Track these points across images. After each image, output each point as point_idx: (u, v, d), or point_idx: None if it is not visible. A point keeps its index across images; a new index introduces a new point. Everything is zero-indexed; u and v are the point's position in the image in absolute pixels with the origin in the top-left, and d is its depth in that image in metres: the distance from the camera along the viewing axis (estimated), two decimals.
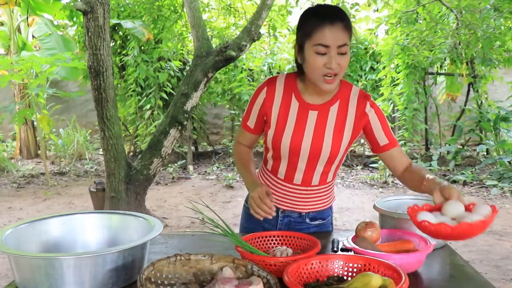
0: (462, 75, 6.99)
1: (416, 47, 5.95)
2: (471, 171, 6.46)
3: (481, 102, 7.08)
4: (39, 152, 8.01)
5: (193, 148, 7.82)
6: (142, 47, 6.70)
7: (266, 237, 1.45)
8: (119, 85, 7.16)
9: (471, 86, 7.23)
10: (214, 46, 4.40)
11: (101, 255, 1.17)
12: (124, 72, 7.08)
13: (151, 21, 6.39)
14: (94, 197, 4.47)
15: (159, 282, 1.15)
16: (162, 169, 6.67)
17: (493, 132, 6.92)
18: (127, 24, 6.25)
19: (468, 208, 1.20)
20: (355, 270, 1.20)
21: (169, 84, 6.90)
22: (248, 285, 1.07)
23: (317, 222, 1.69)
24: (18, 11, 7.55)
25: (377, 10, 7.67)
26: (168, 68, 6.88)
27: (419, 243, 1.38)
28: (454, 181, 6.21)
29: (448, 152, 7.06)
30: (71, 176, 6.91)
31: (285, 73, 1.63)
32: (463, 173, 6.41)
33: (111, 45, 6.44)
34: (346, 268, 1.20)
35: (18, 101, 7.41)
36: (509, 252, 3.84)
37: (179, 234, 1.77)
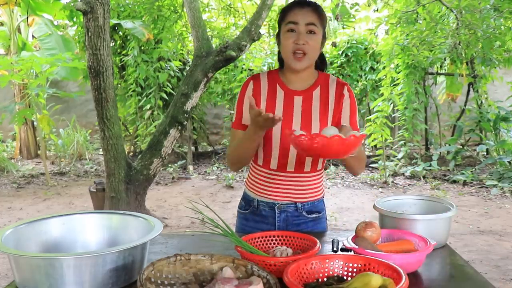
0: (462, 75, 7.00)
1: (416, 47, 5.95)
2: (471, 171, 6.46)
3: (481, 102, 7.08)
4: (39, 152, 8.01)
5: (193, 148, 7.82)
6: (142, 47, 6.70)
7: (266, 237, 1.45)
8: (119, 85, 7.16)
9: (471, 86, 7.23)
10: (214, 46, 4.40)
11: (101, 255, 1.17)
12: (124, 72, 7.08)
13: (151, 21, 6.39)
14: (94, 197, 4.47)
15: (159, 282, 1.15)
16: (162, 169, 6.67)
17: (493, 132, 6.92)
18: (127, 24, 6.26)
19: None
20: (355, 270, 1.20)
21: (169, 84, 6.90)
22: (248, 285, 1.07)
23: (313, 216, 1.71)
24: (18, 11, 7.56)
25: (377, 10, 7.69)
26: (168, 68, 6.88)
27: (419, 243, 1.38)
28: (454, 181, 6.21)
29: (448, 152, 7.06)
30: (71, 176, 6.91)
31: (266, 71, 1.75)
32: (463, 173, 6.41)
33: (111, 45, 6.44)
34: (346, 268, 1.20)
35: (18, 101, 7.41)
36: (509, 252, 3.84)
37: (179, 234, 1.77)
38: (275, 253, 1.31)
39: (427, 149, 7.42)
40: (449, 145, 7.10)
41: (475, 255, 3.75)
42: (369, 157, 7.48)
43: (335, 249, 1.47)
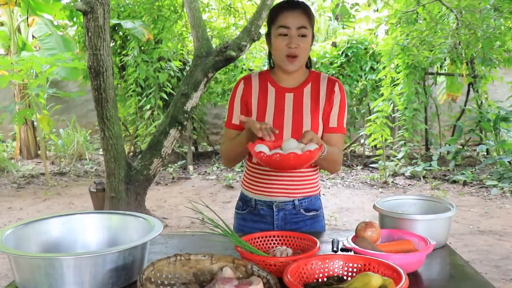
0: (462, 75, 6.99)
1: (416, 47, 5.95)
2: (471, 171, 6.46)
3: (481, 102, 7.08)
4: (39, 152, 8.01)
5: (193, 148, 7.82)
6: (142, 47, 6.70)
7: (266, 237, 1.45)
8: (119, 85, 7.16)
9: (471, 86, 7.23)
10: (214, 46, 4.40)
11: (101, 255, 1.17)
12: (124, 72, 7.08)
13: (151, 21, 6.39)
14: (94, 197, 4.47)
15: (159, 282, 1.15)
16: (162, 169, 6.67)
17: (493, 132, 6.92)
18: (127, 24, 6.26)
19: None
20: (355, 270, 1.20)
21: (169, 84, 6.90)
22: (248, 285, 1.07)
23: (311, 214, 1.72)
24: (18, 11, 7.56)
25: (377, 10, 7.69)
26: (168, 68, 6.88)
27: (419, 243, 1.38)
28: (454, 181, 6.21)
29: (448, 152, 7.06)
30: (71, 176, 6.91)
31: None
32: (463, 173, 6.41)
33: (111, 45, 6.43)
34: (346, 268, 1.20)
35: (18, 101, 7.41)
36: (509, 252, 3.84)
37: (179, 234, 1.77)
38: (275, 253, 1.31)
39: (427, 149, 7.42)
40: (449, 145, 7.10)
41: (475, 255, 3.75)
42: (369, 157, 7.48)
43: (335, 249, 1.47)
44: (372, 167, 6.98)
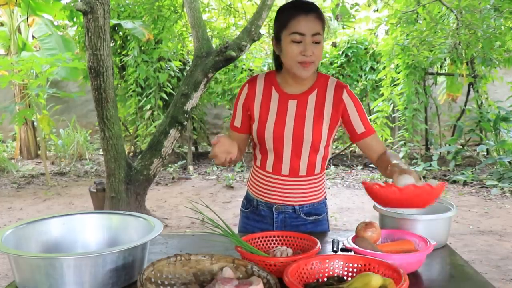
0: (462, 75, 6.99)
1: (416, 47, 5.95)
2: (471, 171, 6.46)
3: (481, 102, 7.08)
4: (39, 152, 8.01)
5: (193, 148, 7.82)
6: (142, 47, 6.70)
7: (266, 237, 1.45)
8: (119, 85, 7.16)
9: (471, 86, 7.23)
10: (214, 46, 4.40)
11: (101, 255, 1.17)
12: (124, 73, 7.08)
13: (151, 22, 6.39)
14: (94, 197, 4.47)
15: (159, 282, 1.15)
16: (162, 170, 6.67)
17: (493, 132, 6.91)
18: (127, 24, 6.25)
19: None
20: (355, 270, 1.20)
21: (169, 84, 6.90)
22: (248, 285, 1.07)
23: (312, 218, 1.70)
24: (18, 12, 7.56)
25: (377, 10, 7.69)
26: (168, 68, 6.88)
27: (419, 243, 1.38)
28: (454, 181, 6.21)
29: (448, 152, 7.06)
30: (71, 176, 6.91)
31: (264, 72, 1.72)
32: (463, 173, 6.41)
33: (111, 45, 6.43)
34: (346, 268, 1.20)
35: (18, 102, 7.41)
36: (509, 252, 3.84)
37: (179, 234, 1.78)
38: (275, 253, 1.31)
39: (427, 149, 7.42)
40: (449, 145, 7.10)
41: (475, 255, 3.75)
42: None
43: (335, 249, 1.47)
44: (372, 167, 6.98)
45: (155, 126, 6.52)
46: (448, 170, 6.69)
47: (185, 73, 6.72)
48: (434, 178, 6.45)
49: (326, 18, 1.61)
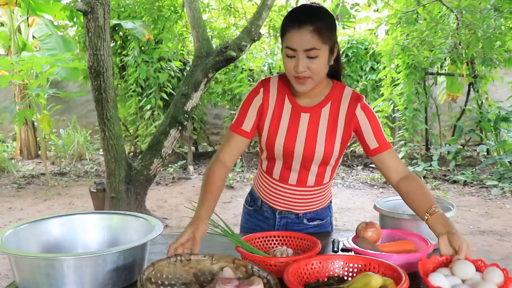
0: (463, 75, 6.99)
1: (417, 47, 5.95)
2: (472, 171, 6.46)
3: (482, 102, 7.08)
4: (39, 152, 8.01)
5: (193, 148, 7.82)
6: (143, 48, 6.70)
7: (266, 237, 1.45)
8: (119, 85, 7.16)
9: (471, 86, 7.22)
10: (214, 46, 4.40)
11: (102, 256, 1.17)
12: (124, 73, 7.08)
13: (151, 22, 6.39)
14: (95, 197, 4.47)
15: (159, 282, 1.15)
16: (163, 170, 6.67)
17: (494, 132, 6.91)
18: (127, 24, 6.26)
19: (477, 267, 1.20)
20: (355, 270, 1.20)
21: (169, 84, 6.90)
22: (249, 286, 1.07)
23: (315, 223, 1.68)
24: (19, 12, 7.55)
25: (377, 10, 7.68)
26: (169, 68, 6.88)
27: (419, 244, 1.38)
28: (455, 181, 6.21)
29: (449, 152, 7.06)
30: (72, 176, 6.91)
31: (277, 75, 1.61)
32: (463, 173, 6.41)
33: (112, 45, 6.45)
34: (346, 269, 1.20)
35: (18, 102, 7.41)
36: (509, 252, 3.84)
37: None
38: (275, 254, 1.31)
39: (428, 149, 7.42)
40: (450, 145, 7.10)
41: (475, 255, 3.74)
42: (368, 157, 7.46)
43: (335, 249, 1.47)
44: (373, 167, 6.97)
45: (155, 126, 6.52)
46: (448, 170, 6.69)
47: (185, 73, 6.73)
48: (435, 178, 6.45)
49: (332, 23, 1.41)
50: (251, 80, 7.19)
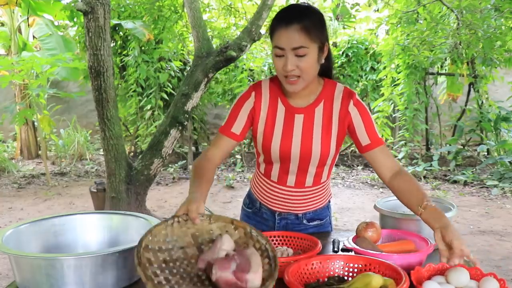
0: (463, 75, 6.99)
1: (417, 47, 5.95)
2: (472, 171, 6.46)
3: (482, 102, 7.07)
4: (39, 152, 8.01)
5: (193, 148, 7.82)
6: (143, 48, 6.70)
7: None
8: (119, 85, 7.16)
9: (471, 86, 7.22)
10: (214, 46, 4.40)
11: (102, 256, 1.17)
12: (124, 73, 7.08)
13: (152, 22, 6.39)
14: (95, 197, 4.47)
15: (156, 248, 1.14)
16: (163, 170, 6.67)
17: (494, 132, 6.91)
18: (127, 24, 6.26)
19: (473, 275, 1.20)
20: (355, 270, 1.20)
21: (169, 84, 6.90)
22: (246, 273, 1.05)
23: (315, 223, 1.68)
24: (19, 12, 7.56)
25: (378, 10, 7.69)
26: (169, 68, 6.88)
27: (419, 243, 1.38)
28: (455, 181, 6.21)
29: (449, 152, 7.06)
30: (72, 176, 6.91)
31: (268, 77, 1.61)
32: (463, 173, 6.41)
33: (112, 45, 6.44)
34: (346, 269, 1.20)
35: (18, 102, 7.41)
36: (509, 252, 3.84)
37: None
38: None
39: (428, 149, 7.42)
40: (450, 145, 7.09)
41: (475, 255, 3.74)
42: None
43: (335, 249, 1.47)
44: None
45: (155, 126, 6.52)
46: (449, 170, 6.69)
47: (185, 73, 6.73)
48: (435, 178, 6.44)
49: (321, 21, 1.41)
50: (251, 80, 7.19)
